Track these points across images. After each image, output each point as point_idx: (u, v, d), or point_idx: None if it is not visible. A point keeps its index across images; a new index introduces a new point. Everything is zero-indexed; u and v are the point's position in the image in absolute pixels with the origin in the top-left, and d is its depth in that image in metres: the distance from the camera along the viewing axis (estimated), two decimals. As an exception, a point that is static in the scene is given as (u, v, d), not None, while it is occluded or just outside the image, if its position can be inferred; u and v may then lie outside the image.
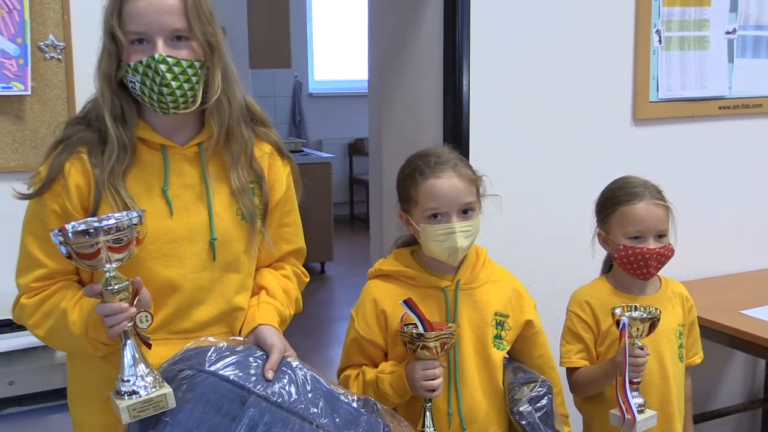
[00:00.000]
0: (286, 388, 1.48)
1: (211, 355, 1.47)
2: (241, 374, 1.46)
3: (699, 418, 2.79)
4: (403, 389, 1.72)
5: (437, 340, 1.68)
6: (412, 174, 1.79)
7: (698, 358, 2.13)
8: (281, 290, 1.70)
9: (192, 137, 1.60)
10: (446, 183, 1.75)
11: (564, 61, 2.76)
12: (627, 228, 1.97)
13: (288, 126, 7.78)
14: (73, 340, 1.50)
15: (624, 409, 1.80)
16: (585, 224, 2.11)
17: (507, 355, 1.89)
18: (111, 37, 1.50)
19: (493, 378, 1.84)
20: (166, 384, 1.42)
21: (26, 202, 1.55)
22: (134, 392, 1.38)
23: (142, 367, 1.40)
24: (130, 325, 1.40)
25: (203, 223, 1.58)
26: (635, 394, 1.82)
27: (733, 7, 3.03)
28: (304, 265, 1.82)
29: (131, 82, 1.50)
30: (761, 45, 3.11)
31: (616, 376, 1.83)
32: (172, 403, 1.40)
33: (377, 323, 1.81)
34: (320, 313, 5.27)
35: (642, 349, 1.82)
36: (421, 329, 1.69)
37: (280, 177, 1.70)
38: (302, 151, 6.56)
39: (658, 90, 2.92)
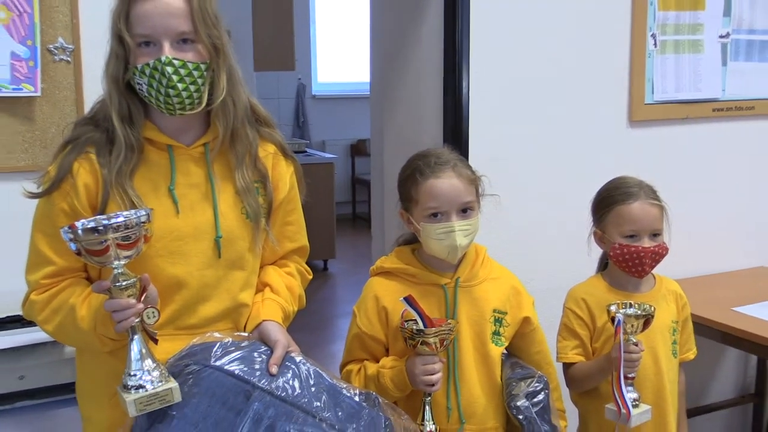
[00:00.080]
0: (290, 382, 1.49)
1: (216, 351, 1.48)
2: (245, 369, 1.47)
3: (692, 413, 2.79)
4: (403, 384, 1.74)
5: (437, 336, 1.70)
6: (413, 174, 1.80)
7: (692, 354, 2.14)
8: (285, 287, 1.71)
9: (198, 138, 1.61)
10: (446, 183, 1.76)
11: (562, 63, 2.78)
12: (622, 227, 1.98)
13: (291, 127, 7.76)
14: (81, 335, 1.51)
15: (619, 404, 1.82)
16: (582, 223, 2.12)
17: (505, 351, 1.90)
18: (118, 39, 1.51)
19: (492, 373, 1.85)
20: (172, 378, 1.43)
21: (36, 201, 1.56)
22: (141, 386, 1.39)
23: (148, 362, 1.41)
24: (137, 320, 1.41)
25: (209, 221, 1.59)
26: (630, 389, 1.84)
27: (727, 12, 3.04)
28: (307, 263, 1.83)
29: (138, 83, 1.51)
30: (754, 49, 3.12)
31: (612, 371, 1.85)
32: (178, 397, 1.41)
33: (378, 319, 1.82)
34: (323, 309, 5.27)
35: (636, 345, 1.84)
36: (421, 325, 1.70)
37: (284, 177, 1.71)
38: (306, 151, 6.57)
39: (653, 92, 2.93)
